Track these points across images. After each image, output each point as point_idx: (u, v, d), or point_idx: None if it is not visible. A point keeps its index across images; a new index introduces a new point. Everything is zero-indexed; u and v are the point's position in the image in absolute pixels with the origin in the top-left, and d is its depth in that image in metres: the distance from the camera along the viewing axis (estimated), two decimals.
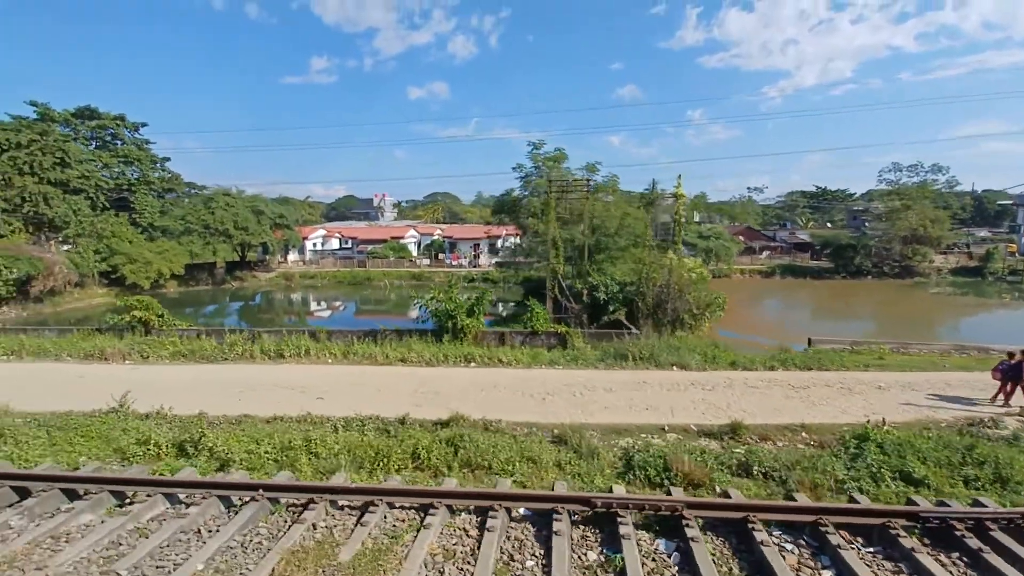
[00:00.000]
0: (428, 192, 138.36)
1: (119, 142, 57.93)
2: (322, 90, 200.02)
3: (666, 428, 10.12)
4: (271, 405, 10.99)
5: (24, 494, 6.57)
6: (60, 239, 45.54)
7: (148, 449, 7.95)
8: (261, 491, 6.41)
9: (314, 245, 67.48)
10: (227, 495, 6.48)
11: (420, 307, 19.53)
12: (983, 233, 74.52)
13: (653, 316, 22.54)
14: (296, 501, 6.45)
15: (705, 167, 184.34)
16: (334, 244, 71.07)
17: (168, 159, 62.15)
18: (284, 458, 7.86)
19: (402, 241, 64.71)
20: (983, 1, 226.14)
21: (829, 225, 79.38)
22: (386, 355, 15.17)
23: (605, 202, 25.79)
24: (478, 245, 62.93)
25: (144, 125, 60.70)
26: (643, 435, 9.78)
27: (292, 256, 64.30)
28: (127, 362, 14.74)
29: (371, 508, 6.24)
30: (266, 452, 7.86)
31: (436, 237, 70.82)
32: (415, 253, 65.85)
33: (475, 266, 60.72)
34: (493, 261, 60.54)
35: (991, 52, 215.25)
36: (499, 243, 64.18)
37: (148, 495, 6.48)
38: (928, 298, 44.84)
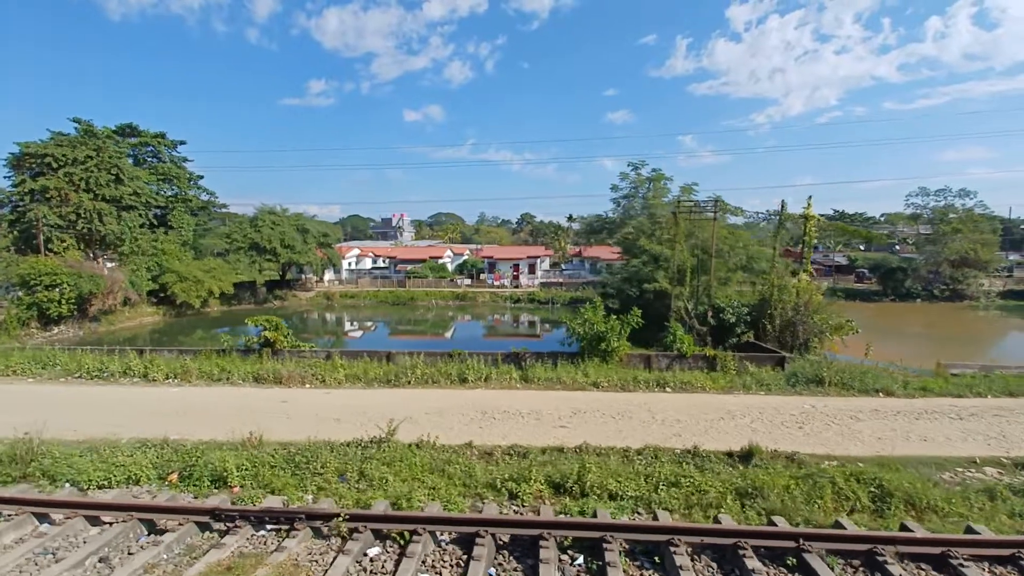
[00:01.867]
0: (432, 212, 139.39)
1: (159, 160, 57.47)
2: (320, 112, 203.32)
3: (978, 461, 9.36)
4: (526, 432, 10.15)
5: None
6: (108, 256, 44.59)
7: (524, 486, 7.05)
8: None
9: (349, 264, 66.71)
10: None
11: (567, 329, 18.82)
12: (1014, 256, 75.06)
13: (779, 338, 21.89)
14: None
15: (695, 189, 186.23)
16: (366, 264, 70.34)
17: (202, 176, 61.66)
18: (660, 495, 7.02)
19: (440, 261, 64.07)
20: (962, 34, 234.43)
21: (862, 248, 79.57)
22: (574, 379, 14.37)
23: (724, 225, 25.27)
24: (518, 266, 62.34)
25: (182, 143, 60.33)
26: (961, 469, 9.01)
27: (328, 275, 63.40)
28: (307, 386, 13.81)
29: None
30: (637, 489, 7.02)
31: (466, 257, 70.30)
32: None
33: (516, 286, 60.03)
34: (536, 282, 59.98)
35: (972, 82, 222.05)
36: (538, 264, 63.78)
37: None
38: (994, 319, 44.59)
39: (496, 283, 59.80)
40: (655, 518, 6.47)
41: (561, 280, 59.98)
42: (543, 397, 13.07)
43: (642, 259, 25.58)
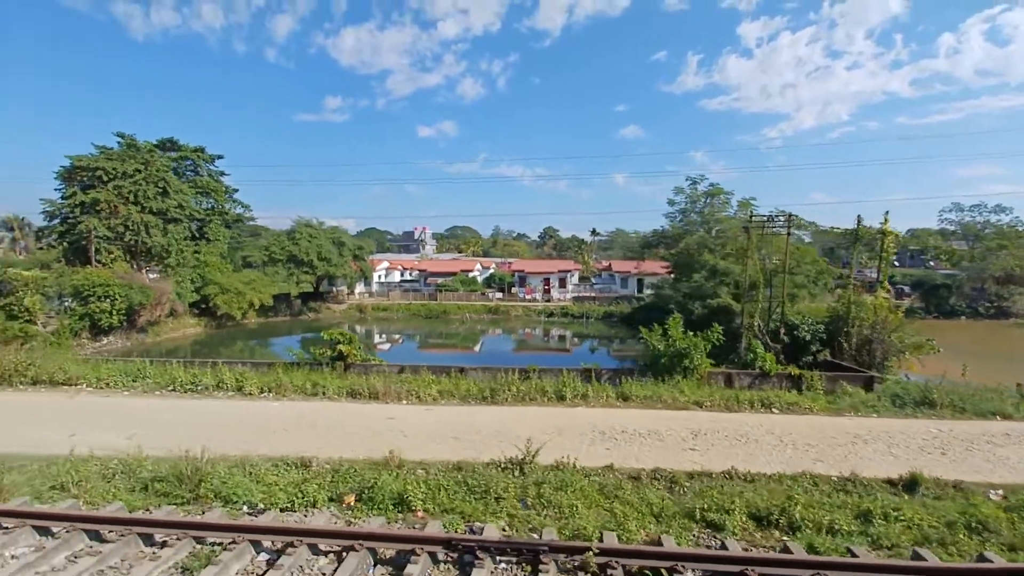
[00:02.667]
0: (448, 226, 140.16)
1: (197, 173, 58.43)
2: (335, 127, 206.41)
3: None
4: (657, 455, 9.77)
5: None
6: (149, 268, 45.19)
7: (727, 518, 6.68)
8: None
9: (378, 277, 66.96)
10: None
11: (646, 343, 18.42)
12: None
13: (856, 357, 21.26)
14: None
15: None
16: (395, 276, 70.60)
17: (237, 190, 62.51)
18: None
19: (470, 274, 64.07)
20: (975, 50, 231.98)
21: (896, 264, 78.09)
22: (674, 397, 13.96)
23: (792, 239, 24.75)
24: (548, 280, 62.09)
25: (220, 157, 61.24)
26: None
27: (359, 288, 63.65)
28: (403, 402, 13.57)
29: None
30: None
31: (492, 270, 70.26)
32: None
33: (547, 300, 59.71)
34: (568, 296, 59.64)
35: (986, 97, 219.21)
36: (568, 278, 63.49)
37: None
38: None
39: (528, 297, 59.56)
40: (917, 557, 5.94)
41: (593, 294, 59.59)
42: (651, 417, 12.67)
43: (702, 274, 25.16)
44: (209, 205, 56.97)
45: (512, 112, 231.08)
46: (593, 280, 66.36)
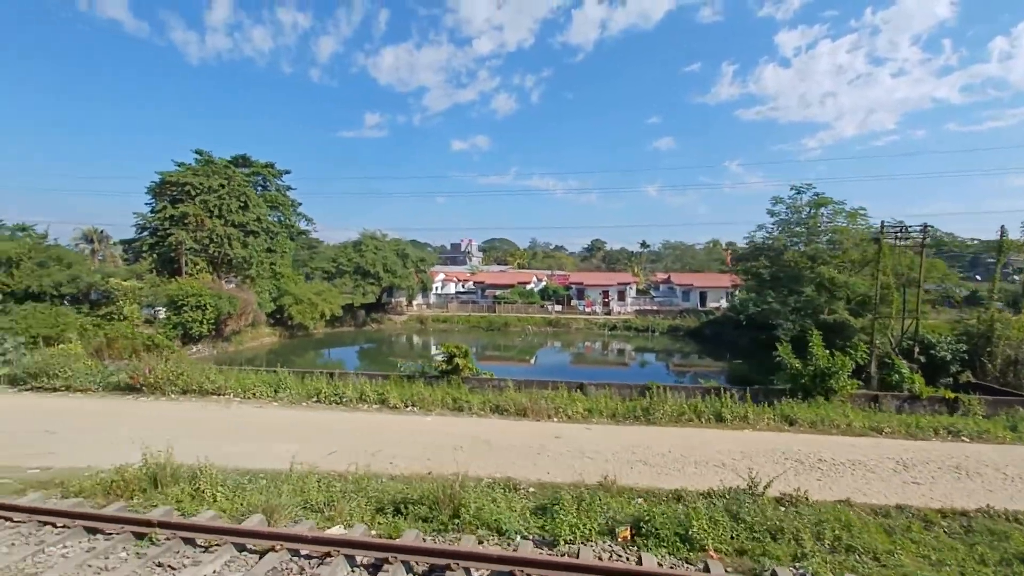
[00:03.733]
0: (486, 238, 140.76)
1: (266, 188, 60.47)
2: (374, 143, 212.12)
3: None
4: (878, 488, 8.87)
5: None
6: (227, 279, 46.79)
7: None
8: None
9: (435, 289, 67.42)
10: None
11: (783, 363, 17.36)
12: None
13: (1001, 378, 19.52)
14: None
15: (742, 216, 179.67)
16: (450, 288, 70.95)
17: (300, 204, 64.32)
18: None
19: (528, 287, 63.71)
20: None
21: (979, 278, 73.31)
22: (849, 423, 12.93)
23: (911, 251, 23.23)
24: (607, 292, 61.03)
25: (287, 172, 63.24)
26: None
27: (416, 299, 64.19)
28: (554, 419, 13.07)
29: None
30: None
31: (544, 283, 69.58)
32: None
33: (607, 313, 58.59)
34: (629, 308, 58.40)
35: None
36: (627, 291, 62.25)
37: None
38: None
39: (588, 309, 58.62)
40: None
41: (655, 307, 58.13)
42: (832, 443, 11.71)
43: (810, 287, 23.79)
44: (277, 218, 58.91)
45: (544, 125, 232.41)
46: (653, 293, 64.84)
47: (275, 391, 14.82)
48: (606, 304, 60.31)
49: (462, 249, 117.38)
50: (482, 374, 19.64)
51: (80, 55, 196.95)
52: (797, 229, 27.09)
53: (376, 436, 11.17)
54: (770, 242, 28.65)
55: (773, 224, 28.52)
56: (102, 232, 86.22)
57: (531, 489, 8.52)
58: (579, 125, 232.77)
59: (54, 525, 6.09)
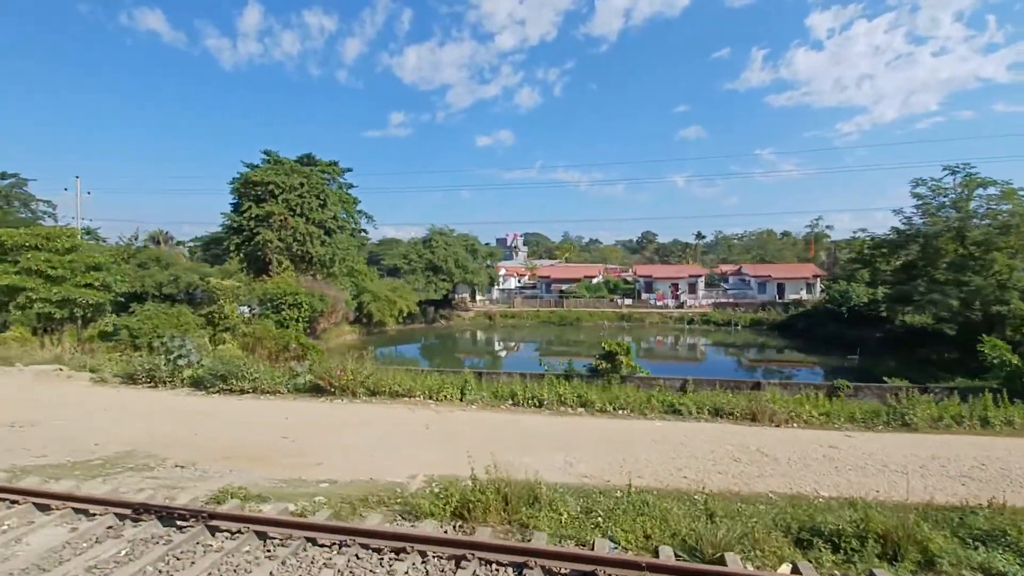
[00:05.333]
0: (521, 232, 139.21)
1: (331, 186, 60.70)
2: (399, 141, 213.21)
3: None
4: None
5: None
6: (307, 276, 47.06)
7: None
8: None
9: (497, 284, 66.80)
10: None
11: (996, 361, 15.70)
12: None
13: None
14: None
15: (775, 204, 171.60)
16: (510, 283, 70.25)
17: (359, 200, 64.38)
18: None
19: (594, 280, 62.36)
20: None
21: None
22: None
23: None
24: (677, 285, 59.14)
25: (349, 170, 63.37)
26: None
27: (478, 295, 63.69)
28: (793, 425, 11.87)
29: None
30: None
31: (599, 277, 67.92)
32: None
33: (679, 306, 56.78)
34: (703, 301, 56.44)
35: None
36: (698, 283, 60.20)
37: None
38: None
39: (659, 303, 56.90)
40: None
41: (732, 300, 56.00)
42: None
43: (979, 278, 21.70)
44: (342, 216, 59.21)
45: (569, 118, 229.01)
46: (725, 285, 62.58)
47: (462, 394, 14.09)
48: (675, 297, 58.46)
49: (508, 244, 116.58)
50: (640, 372, 18.63)
51: (121, 64, 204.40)
52: (947, 214, 24.93)
53: (628, 445, 10.20)
54: (917, 228, 26.42)
55: (916, 208, 26.39)
56: (167, 233, 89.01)
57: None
58: (604, 117, 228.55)
59: (499, 564, 5.14)
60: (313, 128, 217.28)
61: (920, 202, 25.97)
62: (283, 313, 34.39)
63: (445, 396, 13.90)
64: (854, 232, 41.83)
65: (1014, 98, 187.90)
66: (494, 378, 16.92)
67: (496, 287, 63.92)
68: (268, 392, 14.04)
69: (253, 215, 42.26)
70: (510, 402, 13.60)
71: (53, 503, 6.13)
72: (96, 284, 21.29)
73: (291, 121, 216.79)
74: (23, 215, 66.73)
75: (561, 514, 6.65)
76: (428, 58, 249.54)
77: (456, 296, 62.29)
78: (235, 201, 46.20)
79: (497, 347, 50.46)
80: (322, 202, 45.45)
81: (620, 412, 12.85)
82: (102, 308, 21.70)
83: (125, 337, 24.21)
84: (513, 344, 51.25)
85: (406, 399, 13.83)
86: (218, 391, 14.05)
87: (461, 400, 13.92)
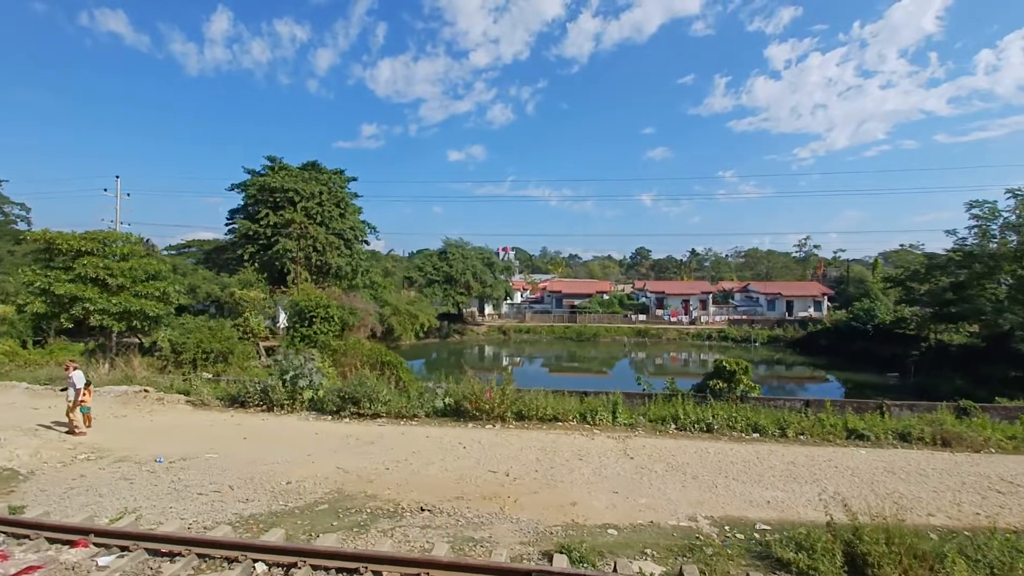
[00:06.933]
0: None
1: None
2: (370, 153, 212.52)
3: None
4: None
5: None
6: (324, 287, 44.91)
7: None
8: None
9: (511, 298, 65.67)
10: None
11: None
12: None
13: None
14: None
15: (736, 226, 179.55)
16: (516, 297, 69.22)
17: (362, 209, 62.60)
18: None
19: (605, 296, 62.06)
20: (1015, 66, 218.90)
21: None
22: None
23: None
24: (688, 301, 59.43)
25: (354, 179, 61.59)
26: None
27: (488, 309, 62.41)
28: (947, 449, 11.30)
29: None
30: None
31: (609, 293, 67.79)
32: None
33: (691, 322, 56.97)
34: (719, 318, 56.77)
35: None
36: (709, 299, 60.63)
37: None
38: None
39: (673, 319, 56.96)
40: None
41: (746, 317, 56.57)
42: None
43: None
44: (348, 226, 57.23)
45: (540, 136, 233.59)
46: (733, 301, 63.27)
47: (612, 416, 13.04)
48: (688, 313, 58.68)
49: (501, 258, 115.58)
50: (755, 392, 17.95)
51: (83, 66, 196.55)
52: (1007, 236, 25.62)
53: (862, 474, 9.41)
54: (972, 248, 27.07)
55: (972, 229, 27.08)
56: (148, 240, 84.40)
57: None
58: (574, 135, 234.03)
59: None
60: (282, 136, 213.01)
61: (976, 223, 26.76)
62: (315, 326, 32.36)
63: (600, 420, 12.85)
64: (881, 257, 42.47)
65: (954, 130, 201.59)
66: (598, 396, 15.89)
67: (506, 301, 62.78)
68: (405, 417, 12.66)
69: (271, 223, 40.13)
70: (673, 426, 12.66)
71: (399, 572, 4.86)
72: (156, 295, 19.23)
73: (259, 128, 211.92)
74: None
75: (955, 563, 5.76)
76: (402, 72, 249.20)
77: (465, 310, 60.91)
78: (245, 207, 43.90)
79: (526, 362, 49.16)
80: (341, 211, 43.67)
81: (801, 438, 12.07)
82: (159, 321, 19.59)
83: (167, 352, 22.08)
84: (540, 359, 50.05)
85: (560, 424, 12.71)
86: (349, 416, 12.59)
87: (613, 424, 12.90)
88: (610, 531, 6.95)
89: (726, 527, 7.20)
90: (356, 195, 60.58)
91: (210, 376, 19.38)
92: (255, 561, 5.09)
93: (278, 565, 5.05)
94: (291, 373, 13.19)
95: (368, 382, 12.96)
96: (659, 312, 58.21)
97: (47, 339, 30.90)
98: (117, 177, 33.97)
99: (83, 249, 17.84)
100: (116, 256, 18.64)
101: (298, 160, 47.67)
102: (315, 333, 32.48)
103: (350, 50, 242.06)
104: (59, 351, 27.10)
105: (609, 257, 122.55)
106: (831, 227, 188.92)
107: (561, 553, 5.84)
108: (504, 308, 63.56)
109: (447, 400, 12.94)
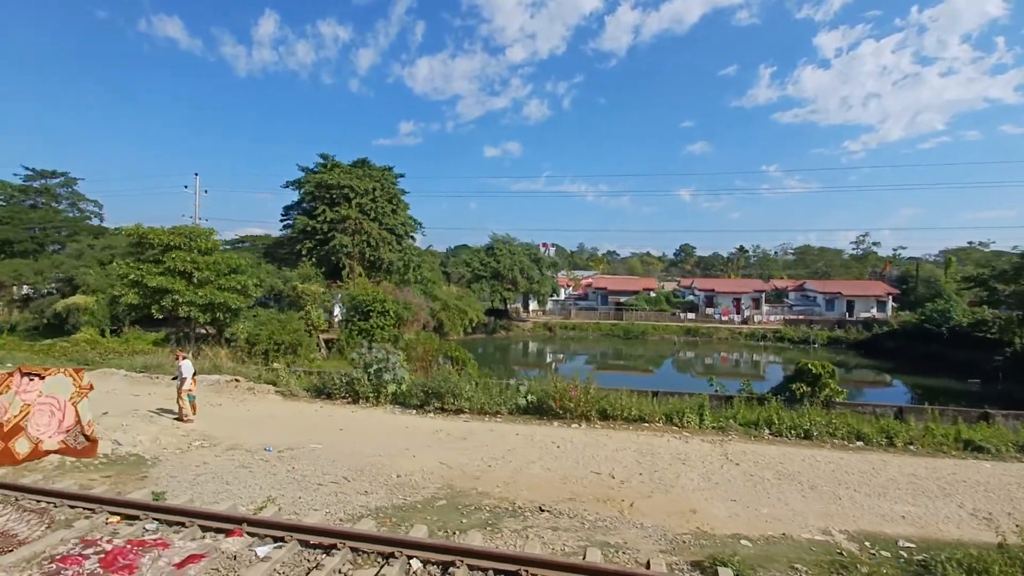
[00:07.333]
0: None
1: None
2: (408, 150, 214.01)
3: None
4: None
5: None
6: (376, 281, 45.85)
7: None
8: None
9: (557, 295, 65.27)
10: None
11: None
12: None
13: None
14: None
15: (779, 222, 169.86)
16: (560, 294, 68.74)
17: (409, 205, 63.34)
18: None
19: (652, 294, 60.78)
20: None
21: None
22: None
23: None
24: (739, 300, 57.46)
25: (402, 176, 62.39)
26: None
27: (532, 306, 62.18)
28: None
29: None
30: None
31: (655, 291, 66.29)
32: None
33: (743, 321, 55.05)
34: (773, 317, 54.65)
35: None
36: (761, 298, 58.44)
37: None
38: None
39: (724, 318, 55.22)
40: None
41: (802, 317, 54.25)
42: None
43: None
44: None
45: (576, 131, 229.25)
46: (787, 301, 60.77)
47: (700, 419, 12.61)
48: (740, 312, 56.75)
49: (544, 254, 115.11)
50: (840, 396, 17.04)
51: (140, 70, 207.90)
52: None
53: (1009, 490, 8.69)
54: None
55: None
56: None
57: None
58: (611, 130, 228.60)
59: None
60: (325, 134, 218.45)
61: None
62: (372, 320, 33.05)
63: (687, 422, 12.42)
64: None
65: (1023, 120, 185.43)
66: (680, 398, 15.38)
67: (551, 298, 62.41)
68: (488, 413, 12.62)
69: (327, 219, 41.20)
70: (768, 431, 12.09)
71: None
72: (237, 288, 20.00)
73: (303, 128, 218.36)
74: (71, 214, 66.48)
75: None
76: (440, 69, 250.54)
77: (510, 306, 60.94)
78: (300, 203, 45.25)
79: (569, 358, 48.82)
80: (393, 207, 44.38)
81: (911, 447, 11.30)
82: (239, 313, 20.38)
83: (241, 343, 22.97)
84: (584, 355, 49.58)
85: (646, 425, 12.37)
86: (433, 411, 12.65)
87: (700, 426, 12.45)
88: (743, 542, 6.63)
89: (866, 543, 6.75)
90: (404, 191, 62.08)
91: (279, 367, 20.04)
92: (409, 557, 5.06)
93: (434, 563, 4.99)
94: (374, 367, 13.37)
95: (452, 378, 12.99)
96: (709, 311, 56.55)
97: (122, 328, 32.81)
98: (196, 174, 35.61)
99: (171, 243, 18.75)
100: (200, 250, 19.52)
101: (344, 159, 48.72)
102: (372, 327, 33.21)
103: (390, 49, 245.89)
104: (133, 340, 28.75)
105: (648, 254, 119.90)
106: (884, 224, 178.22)
107: (725, 567, 5.55)
108: (549, 305, 63.19)
109: (529, 397, 12.82)
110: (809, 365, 16.58)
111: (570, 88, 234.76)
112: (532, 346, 53.28)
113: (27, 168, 61.52)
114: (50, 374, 8.56)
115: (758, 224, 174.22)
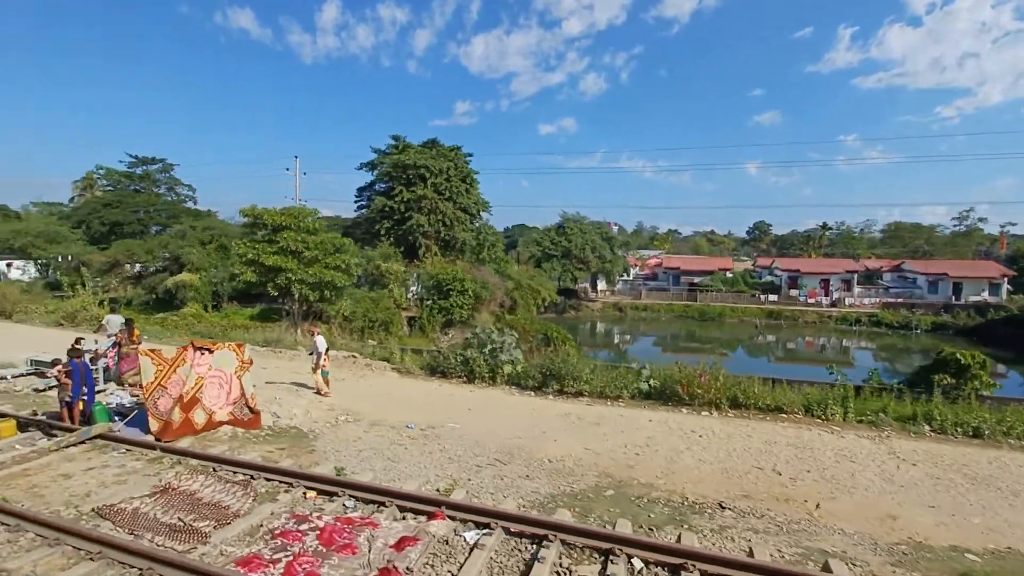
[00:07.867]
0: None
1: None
2: (463, 130, 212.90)
3: None
4: None
5: None
6: (450, 260, 46.44)
7: None
8: None
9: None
10: None
11: None
12: None
13: None
14: None
15: (855, 197, 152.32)
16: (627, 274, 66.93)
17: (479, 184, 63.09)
18: None
19: (729, 274, 57.83)
20: None
21: None
22: None
23: None
24: (827, 281, 53.46)
25: (471, 156, 62.13)
26: None
27: (600, 285, 60.94)
28: None
29: None
30: None
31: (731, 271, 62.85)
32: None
33: (833, 304, 51.27)
34: (867, 300, 50.57)
35: None
36: (853, 279, 54.06)
37: None
38: None
39: (811, 300, 51.69)
40: None
41: (901, 300, 49.84)
42: None
43: None
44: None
45: (635, 105, 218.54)
46: (882, 282, 55.98)
47: (844, 411, 11.59)
48: (828, 294, 52.88)
49: None
50: (988, 388, 15.26)
51: (215, 61, 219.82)
52: None
53: None
54: None
55: None
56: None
57: None
58: (672, 103, 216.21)
59: None
60: (385, 116, 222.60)
61: None
62: (451, 299, 33.47)
63: (831, 414, 11.44)
64: None
65: None
66: (795, 386, 14.19)
67: (622, 278, 60.92)
68: (608, 397, 12.23)
69: (404, 199, 41.89)
70: (928, 427, 10.92)
71: None
72: (342, 267, 20.73)
73: (362, 110, 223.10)
74: (169, 198, 71.86)
75: None
76: (495, 46, 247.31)
77: (578, 286, 60.09)
78: (373, 184, 46.29)
79: (637, 339, 47.70)
80: (467, 186, 44.44)
81: None
82: (342, 291, 21.13)
83: (340, 320, 23.87)
84: (653, 336, 48.27)
85: (784, 416, 11.51)
86: (552, 393, 12.41)
87: (845, 419, 11.42)
88: (969, 556, 5.87)
89: None
90: (475, 172, 62.06)
91: (381, 343, 20.59)
92: (630, 557, 4.75)
93: (661, 564, 4.66)
94: (489, 347, 13.29)
95: (571, 359, 12.68)
96: (793, 292, 53.10)
97: (221, 304, 35.11)
98: (296, 157, 37.05)
99: (282, 224, 19.60)
100: (308, 230, 20.29)
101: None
102: (451, 305, 33.68)
103: (445, 28, 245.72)
104: (232, 315, 30.71)
105: (713, 232, 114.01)
106: (977, 197, 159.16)
107: None
108: (618, 285, 61.75)
109: (651, 382, 12.29)
110: (957, 354, 14.93)
111: (629, 60, 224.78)
112: (600, 326, 52.44)
113: (130, 155, 66.86)
114: (217, 348, 9.01)
115: (830, 199, 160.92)
